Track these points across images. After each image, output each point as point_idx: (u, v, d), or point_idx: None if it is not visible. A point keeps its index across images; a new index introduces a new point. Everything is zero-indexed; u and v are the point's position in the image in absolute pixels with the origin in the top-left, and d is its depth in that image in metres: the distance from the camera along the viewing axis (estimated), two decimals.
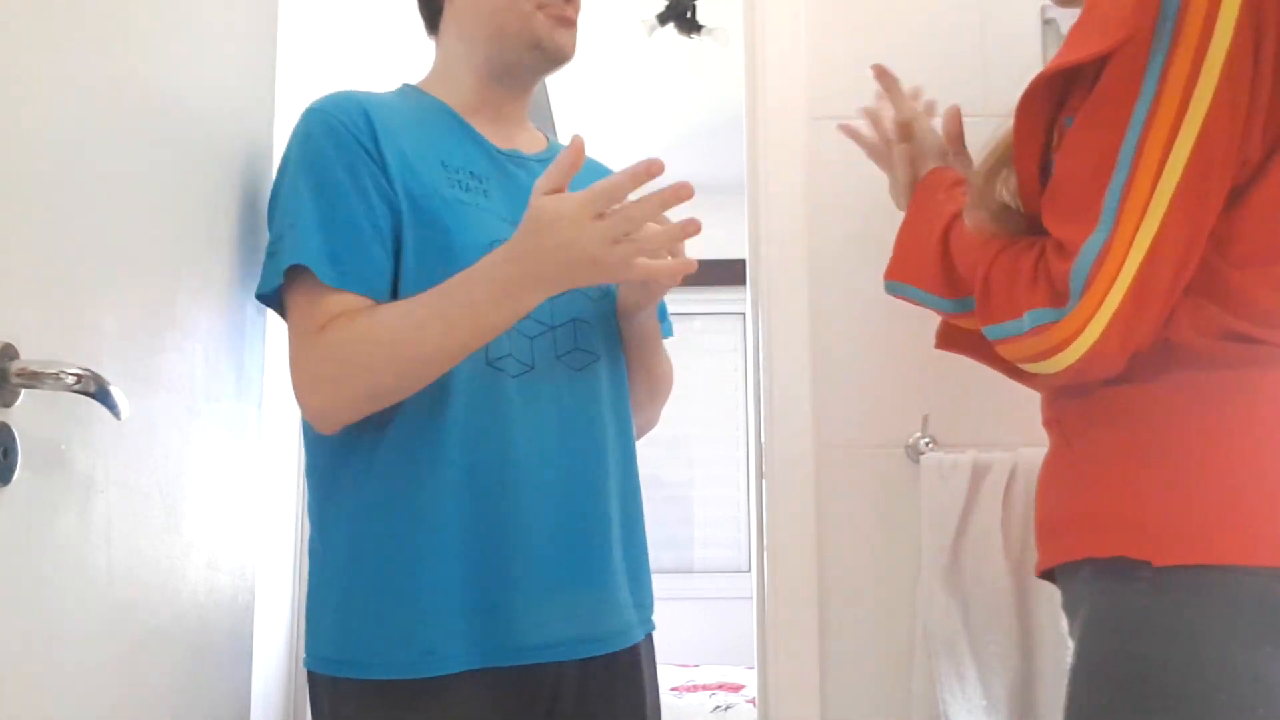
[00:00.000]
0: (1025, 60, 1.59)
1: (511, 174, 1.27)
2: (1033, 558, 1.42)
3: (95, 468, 0.89)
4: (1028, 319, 0.95)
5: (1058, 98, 0.97)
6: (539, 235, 1.06)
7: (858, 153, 1.58)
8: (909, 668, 1.47)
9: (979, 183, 1.06)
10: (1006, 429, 1.50)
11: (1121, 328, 0.90)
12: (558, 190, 1.07)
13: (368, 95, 1.23)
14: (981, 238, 1.05)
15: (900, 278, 1.25)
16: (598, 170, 1.42)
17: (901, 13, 1.61)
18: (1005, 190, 1.05)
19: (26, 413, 0.78)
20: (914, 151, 1.32)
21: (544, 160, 1.31)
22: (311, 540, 1.21)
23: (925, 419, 1.50)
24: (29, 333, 0.79)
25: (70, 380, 0.79)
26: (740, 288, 1.70)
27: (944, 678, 1.40)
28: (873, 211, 1.57)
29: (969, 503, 1.44)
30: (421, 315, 1.10)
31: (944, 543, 1.44)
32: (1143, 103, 0.88)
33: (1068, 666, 1.35)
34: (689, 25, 2.98)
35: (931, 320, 1.55)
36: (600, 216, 1.05)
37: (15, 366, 0.77)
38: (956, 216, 1.12)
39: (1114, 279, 0.89)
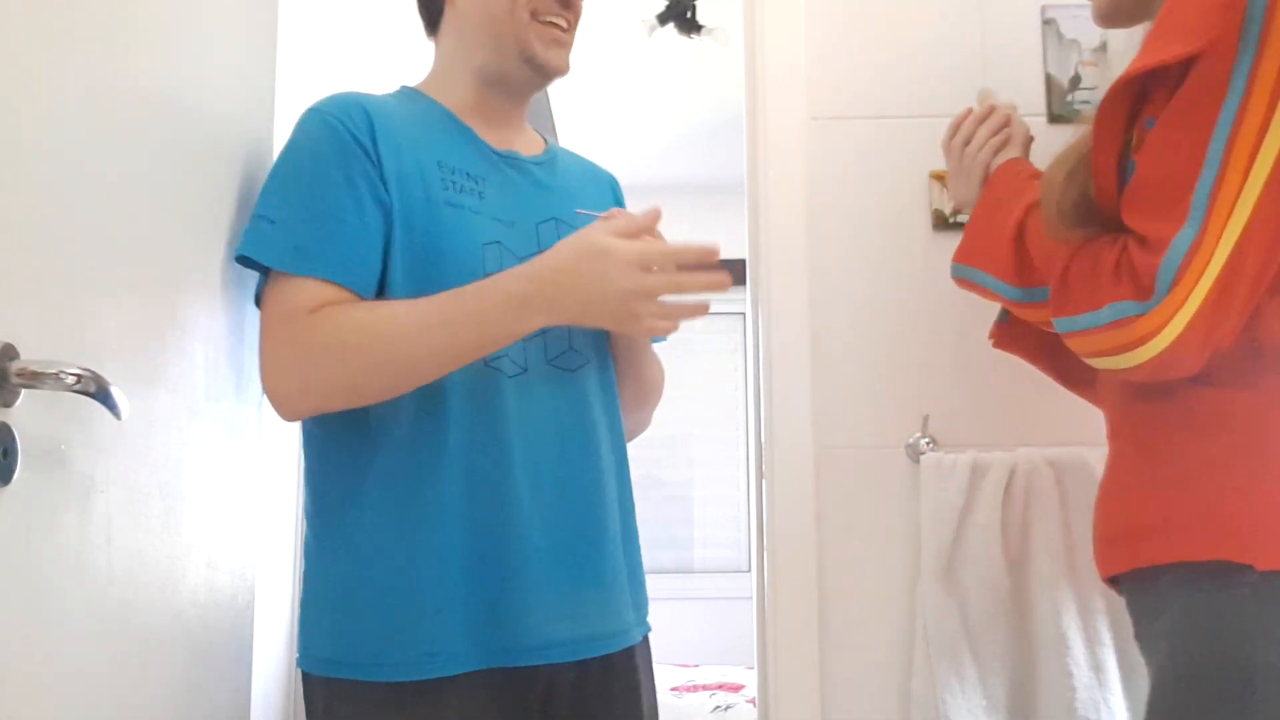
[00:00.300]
0: (1025, 60, 1.59)
1: (508, 175, 1.27)
2: (1033, 557, 1.42)
3: (95, 468, 0.89)
4: (1109, 312, 0.95)
5: (1137, 101, 0.98)
6: (581, 259, 1.09)
7: (858, 152, 1.58)
8: (909, 668, 1.47)
9: (1057, 183, 1.06)
10: (1006, 429, 1.50)
11: (1205, 324, 0.91)
12: (626, 236, 1.10)
13: (368, 96, 1.23)
14: (1057, 238, 1.05)
15: (970, 261, 1.24)
16: (597, 175, 1.42)
17: (902, 13, 1.61)
18: (1078, 193, 1.05)
19: (26, 413, 0.78)
20: (1001, 141, 1.31)
21: (541, 163, 1.32)
22: (307, 540, 1.21)
23: (925, 419, 1.50)
24: (29, 333, 0.79)
25: (70, 380, 0.79)
26: (740, 288, 1.70)
27: (944, 678, 1.40)
28: (873, 211, 1.57)
29: (969, 503, 1.44)
30: (426, 314, 1.10)
31: (944, 543, 1.44)
32: (1231, 102, 0.90)
33: (1067, 666, 1.36)
34: (689, 25, 2.98)
35: (933, 321, 1.55)
36: (648, 270, 1.09)
37: (15, 366, 0.77)
38: (1035, 205, 1.12)
39: (1201, 274, 0.90)
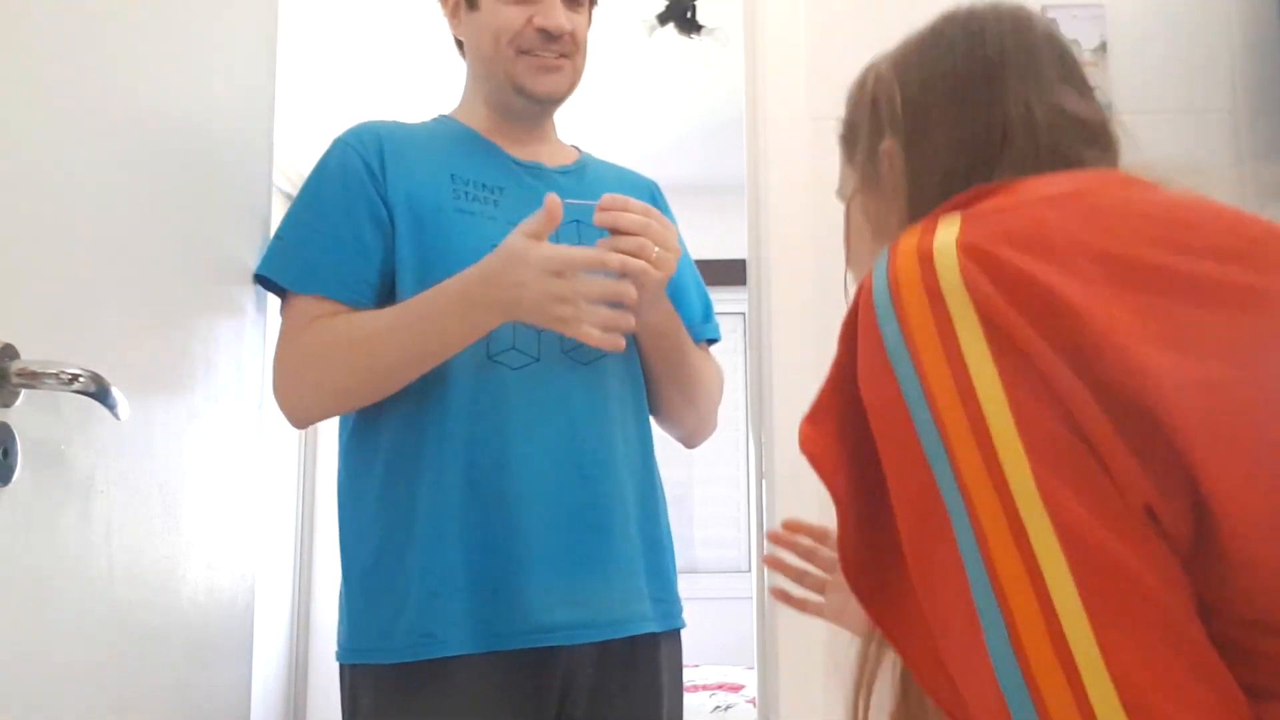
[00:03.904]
0: None
1: (529, 184, 1.30)
2: None
3: (95, 468, 0.89)
4: None
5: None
6: (504, 265, 1.13)
7: None
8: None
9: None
10: None
11: None
12: (536, 236, 1.13)
13: (387, 123, 1.31)
14: None
15: None
16: (635, 181, 1.43)
17: (901, 13, 1.60)
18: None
19: (26, 413, 0.78)
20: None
21: (568, 173, 1.35)
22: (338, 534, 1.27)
23: None
24: (29, 333, 0.79)
25: (70, 380, 0.79)
26: (740, 288, 1.70)
27: None
28: None
29: None
30: (391, 320, 1.17)
31: None
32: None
33: None
34: (689, 25, 2.98)
35: None
36: (559, 275, 1.11)
37: (15, 366, 0.77)
38: None
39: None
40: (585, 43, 1.32)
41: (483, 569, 1.15)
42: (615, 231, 1.17)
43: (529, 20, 1.26)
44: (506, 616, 1.14)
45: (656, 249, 1.16)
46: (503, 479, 1.17)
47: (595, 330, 1.13)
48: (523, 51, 1.27)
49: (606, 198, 1.18)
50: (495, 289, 1.13)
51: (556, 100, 1.33)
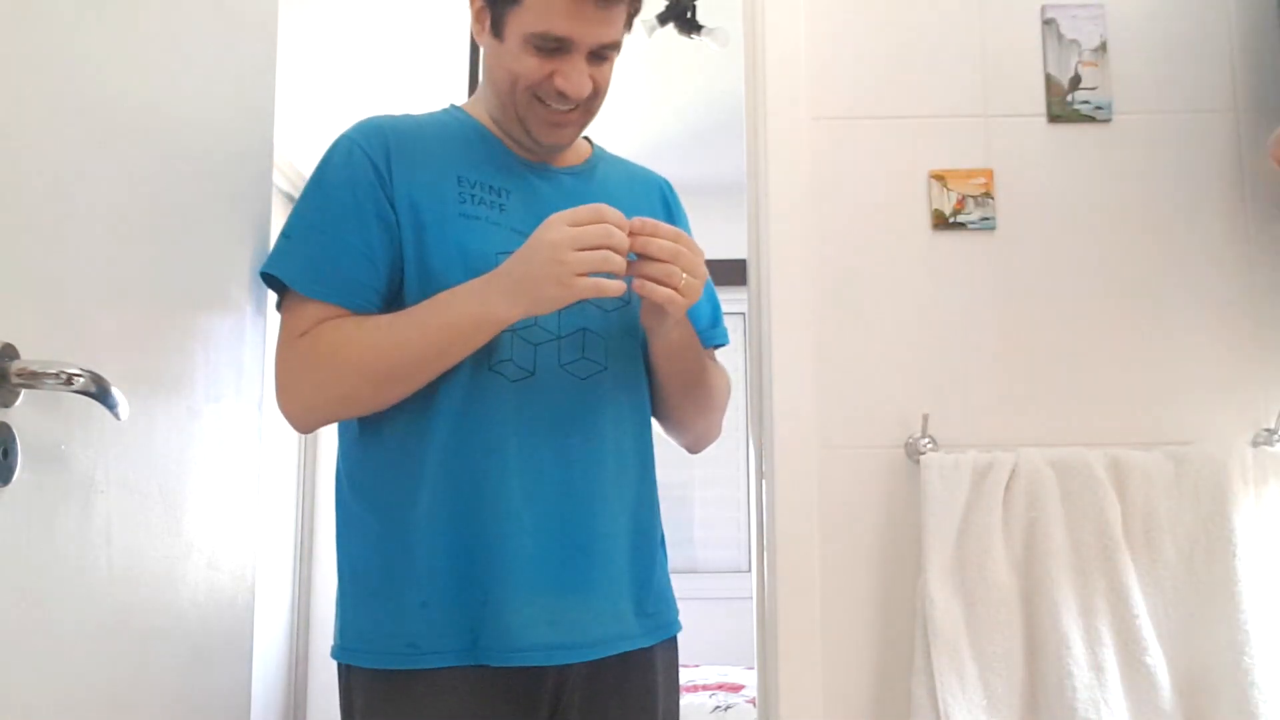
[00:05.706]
0: (1025, 60, 1.59)
1: (535, 186, 1.29)
2: (1034, 558, 1.42)
3: (95, 468, 0.89)
4: None
5: None
6: (523, 248, 1.13)
7: (858, 152, 1.58)
8: (909, 668, 1.47)
9: None
10: (1006, 429, 1.50)
11: None
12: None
13: (393, 119, 1.28)
14: None
15: None
16: (646, 178, 1.43)
17: (902, 12, 1.61)
18: None
19: (26, 413, 0.78)
20: None
21: (576, 174, 1.33)
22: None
23: (925, 419, 1.50)
24: (29, 333, 0.79)
25: (70, 380, 0.79)
26: (740, 288, 1.70)
27: (944, 677, 1.40)
28: (873, 211, 1.57)
29: (969, 503, 1.44)
30: (402, 319, 1.16)
31: (945, 543, 1.44)
32: None
33: (1068, 666, 1.36)
34: (689, 25, 2.98)
35: (933, 320, 1.55)
36: (576, 224, 1.10)
37: (15, 366, 0.77)
38: None
39: None
40: (607, 87, 1.28)
41: (469, 583, 1.15)
42: (644, 256, 1.15)
43: (550, 75, 1.22)
44: (490, 633, 1.14)
45: (685, 276, 1.15)
46: (492, 494, 1.16)
47: (588, 274, 1.10)
48: (538, 99, 1.24)
49: (636, 221, 1.15)
50: (510, 266, 1.13)
51: (561, 150, 1.31)
